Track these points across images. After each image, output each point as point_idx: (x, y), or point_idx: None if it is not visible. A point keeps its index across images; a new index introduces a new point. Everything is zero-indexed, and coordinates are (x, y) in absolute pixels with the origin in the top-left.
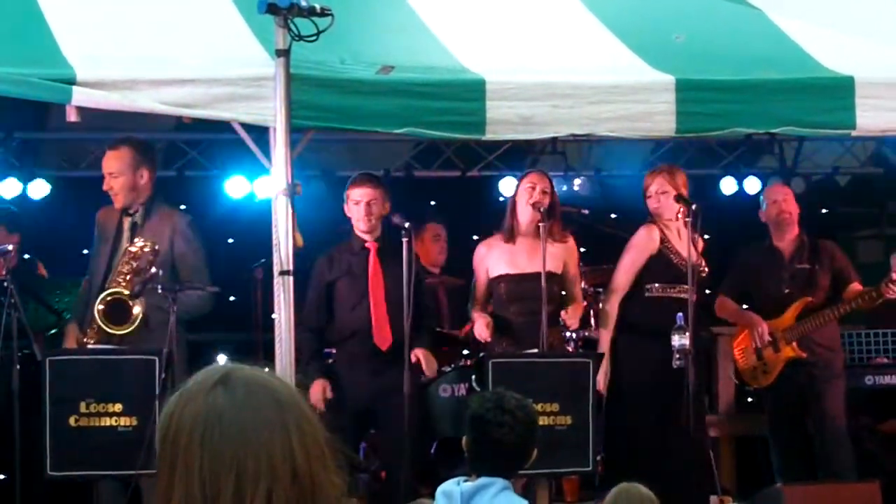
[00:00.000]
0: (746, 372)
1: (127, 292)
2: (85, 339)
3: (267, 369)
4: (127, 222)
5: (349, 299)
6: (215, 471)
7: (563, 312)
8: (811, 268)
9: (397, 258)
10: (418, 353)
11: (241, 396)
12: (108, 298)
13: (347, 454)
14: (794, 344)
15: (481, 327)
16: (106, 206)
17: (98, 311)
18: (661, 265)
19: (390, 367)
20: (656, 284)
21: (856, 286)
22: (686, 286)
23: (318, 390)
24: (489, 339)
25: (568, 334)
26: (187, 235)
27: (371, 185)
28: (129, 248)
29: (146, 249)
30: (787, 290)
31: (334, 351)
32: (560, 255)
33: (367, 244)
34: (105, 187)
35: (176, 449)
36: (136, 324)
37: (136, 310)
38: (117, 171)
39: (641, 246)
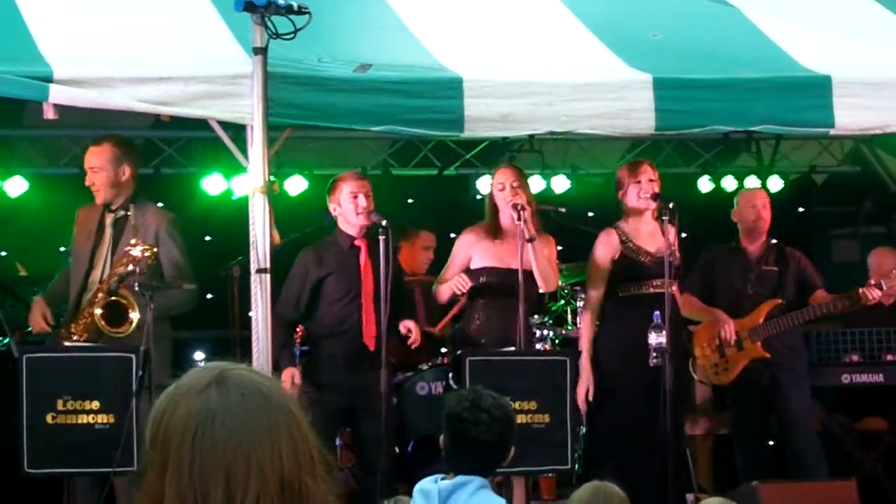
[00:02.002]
0: (706, 368)
1: (126, 299)
2: (73, 335)
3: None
4: (109, 218)
5: (341, 297)
6: (205, 471)
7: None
8: (778, 271)
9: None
10: (408, 324)
11: (234, 399)
12: (107, 301)
13: (326, 455)
14: (759, 344)
15: (458, 283)
16: (86, 205)
17: (97, 314)
18: (626, 265)
19: (371, 366)
20: (627, 284)
21: (821, 293)
22: (658, 281)
23: (287, 378)
24: (469, 285)
25: (539, 333)
26: (171, 233)
27: (366, 178)
28: (130, 252)
29: (146, 254)
30: (751, 291)
31: (307, 348)
32: (541, 255)
33: (356, 241)
34: (87, 182)
35: (167, 448)
36: (132, 327)
37: (133, 315)
38: (98, 166)
39: (602, 252)
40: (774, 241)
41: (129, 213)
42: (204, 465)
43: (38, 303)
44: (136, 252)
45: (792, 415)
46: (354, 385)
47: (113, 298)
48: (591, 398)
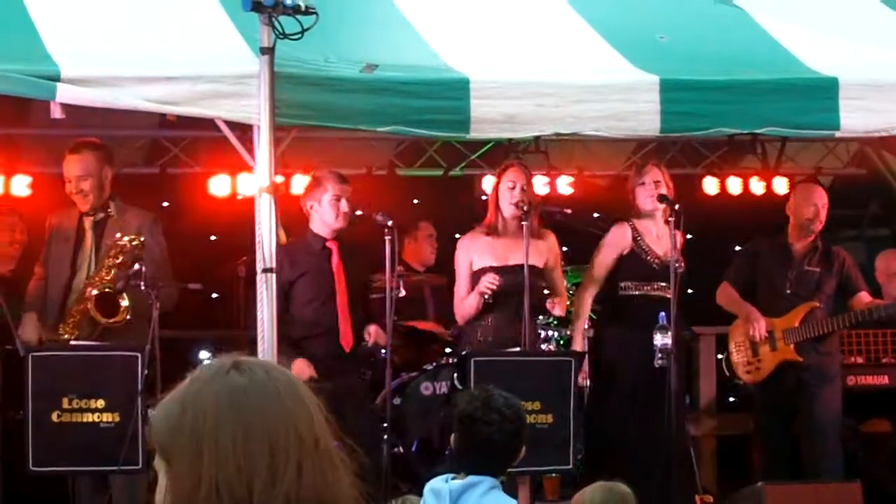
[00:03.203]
0: (739, 365)
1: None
2: (62, 336)
3: None
4: (88, 222)
5: (312, 299)
6: (249, 445)
7: (548, 302)
8: (819, 272)
9: (352, 258)
10: (370, 329)
11: (259, 375)
12: (97, 293)
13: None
14: (793, 347)
15: (489, 279)
16: (59, 210)
17: (90, 300)
18: (633, 263)
19: (351, 366)
20: (630, 282)
21: (864, 296)
22: (662, 284)
23: (303, 365)
24: (498, 281)
25: (543, 334)
26: (152, 231)
27: (348, 182)
28: (118, 242)
29: (134, 243)
30: (790, 291)
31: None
32: (543, 251)
33: (328, 243)
34: (74, 190)
35: (199, 431)
36: (126, 315)
37: (125, 303)
38: (85, 173)
39: (613, 244)
40: (821, 242)
41: (110, 213)
42: (247, 437)
43: (31, 319)
44: (125, 241)
45: (815, 419)
46: (336, 386)
47: (103, 291)
48: (586, 382)
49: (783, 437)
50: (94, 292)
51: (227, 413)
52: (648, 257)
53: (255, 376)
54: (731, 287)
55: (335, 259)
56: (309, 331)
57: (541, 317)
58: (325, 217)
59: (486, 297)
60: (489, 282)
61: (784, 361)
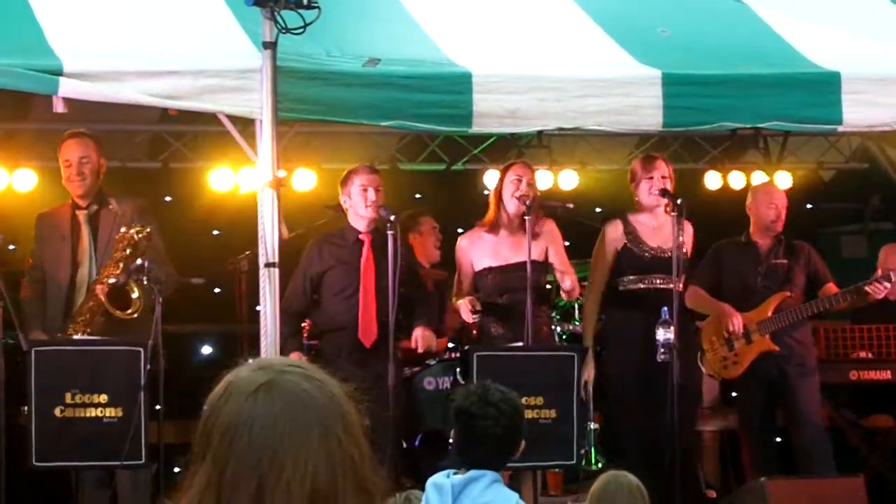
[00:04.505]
0: (715, 362)
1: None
2: (71, 335)
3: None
4: (82, 216)
5: (341, 291)
6: (237, 476)
7: (561, 289)
8: (787, 263)
9: (387, 251)
10: (416, 333)
11: (278, 407)
12: (113, 282)
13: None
14: (768, 337)
15: (466, 311)
16: (46, 211)
17: (103, 296)
18: (627, 258)
19: (375, 360)
20: (629, 277)
21: (831, 287)
22: (661, 276)
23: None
24: (474, 320)
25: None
26: (143, 216)
27: (378, 173)
28: (125, 235)
29: (141, 235)
30: (760, 285)
31: (316, 342)
32: (540, 244)
33: (360, 235)
34: (75, 173)
35: (209, 443)
36: (140, 307)
37: (135, 294)
38: (86, 156)
39: (607, 241)
40: (782, 236)
41: (110, 207)
42: (237, 469)
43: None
44: (132, 233)
45: (799, 409)
46: (359, 379)
47: (113, 286)
48: (589, 389)
49: (771, 430)
50: (111, 281)
51: (228, 441)
52: (642, 250)
53: (272, 407)
54: (700, 288)
55: (366, 251)
56: (336, 324)
57: (554, 313)
58: (356, 209)
59: (476, 317)
60: (466, 313)
61: (761, 353)
